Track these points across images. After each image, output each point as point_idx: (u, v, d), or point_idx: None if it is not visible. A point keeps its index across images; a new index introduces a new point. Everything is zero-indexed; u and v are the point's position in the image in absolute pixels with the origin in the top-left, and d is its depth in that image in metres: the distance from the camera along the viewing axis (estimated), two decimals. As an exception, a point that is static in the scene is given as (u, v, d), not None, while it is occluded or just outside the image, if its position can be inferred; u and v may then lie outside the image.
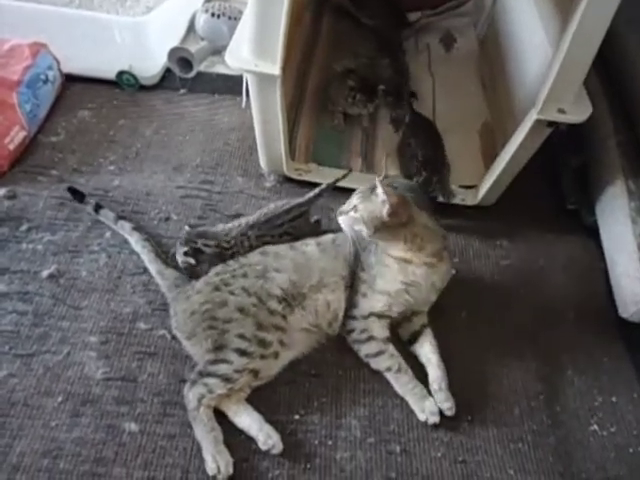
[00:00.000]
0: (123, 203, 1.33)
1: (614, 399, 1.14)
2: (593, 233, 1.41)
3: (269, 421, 1.00)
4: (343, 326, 1.12)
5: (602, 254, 1.37)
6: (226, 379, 0.98)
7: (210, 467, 0.94)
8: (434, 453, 1.02)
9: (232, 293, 1.05)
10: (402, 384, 1.07)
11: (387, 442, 1.03)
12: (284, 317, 1.06)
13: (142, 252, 1.20)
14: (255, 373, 1.01)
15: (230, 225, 1.20)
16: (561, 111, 1.15)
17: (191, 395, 0.98)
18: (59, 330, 1.10)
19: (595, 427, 1.10)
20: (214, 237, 1.15)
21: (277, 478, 0.96)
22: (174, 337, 1.10)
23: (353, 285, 1.12)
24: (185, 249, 1.12)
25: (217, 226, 1.21)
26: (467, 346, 1.16)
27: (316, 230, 1.26)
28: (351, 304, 1.11)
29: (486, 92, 1.75)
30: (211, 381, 0.98)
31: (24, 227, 1.25)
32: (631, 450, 1.07)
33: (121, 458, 0.96)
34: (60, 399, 1.01)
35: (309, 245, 1.14)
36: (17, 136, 1.36)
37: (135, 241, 1.22)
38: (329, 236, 1.17)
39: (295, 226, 1.20)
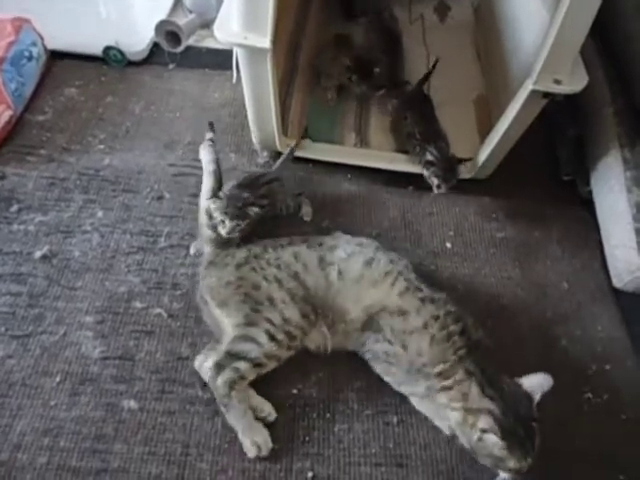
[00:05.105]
0: (114, 182, 1.31)
1: (607, 367, 1.16)
2: (588, 205, 1.40)
3: (267, 395, 1.01)
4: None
5: (597, 226, 1.37)
6: (257, 364, 0.97)
7: (249, 449, 0.94)
8: (431, 423, 1.04)
9: (265, 279, 1.05)
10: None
11: (384, 413, 1.04)
12: (310, 324, 1.04)
13: (207, 180, 1.23)
14: (279, 360, 1.00)
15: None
16: (557, 82, 1.13)
17: (220, 381, 0.95)
18: (54, 310, 1.10)
19: (589, 395, 1.11)
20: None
21: (276, 452, 0.97)
22: (170, 315, 1.10)
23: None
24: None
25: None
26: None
27: (298, 201, 1.30)
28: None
29: (481, 62, 1.72)
30: (242, 366, 0.96)
31: (14, 208, 1.23)
32: (623, 417, 1.09)
33: (121, 435, 0.97)
34: (58, 379, 1.02)
35: (333, 267, 1.07)
36: (3, 116, 1.33)
37: (209, 172, 1.24)
38: (354, 265, 1.07)
39: (272, 188, 1.23)
